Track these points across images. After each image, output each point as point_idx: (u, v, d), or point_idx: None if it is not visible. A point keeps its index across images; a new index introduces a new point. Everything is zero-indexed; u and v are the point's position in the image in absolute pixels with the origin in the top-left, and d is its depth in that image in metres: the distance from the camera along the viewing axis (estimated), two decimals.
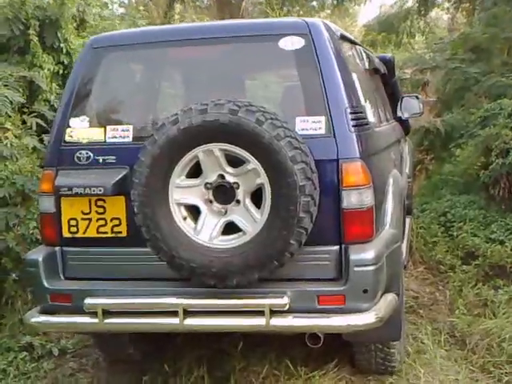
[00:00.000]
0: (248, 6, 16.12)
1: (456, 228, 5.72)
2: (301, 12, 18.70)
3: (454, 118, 7.06)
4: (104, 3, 10.47)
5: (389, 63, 4.83)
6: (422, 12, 13.49)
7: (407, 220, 4.46)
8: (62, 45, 5.40)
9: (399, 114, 4.67)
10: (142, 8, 11.89)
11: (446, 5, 13.94)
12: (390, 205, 3.11)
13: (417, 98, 4.90)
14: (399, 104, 4.68)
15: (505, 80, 6.76)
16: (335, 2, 20.01)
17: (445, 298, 4.61)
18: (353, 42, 3.67)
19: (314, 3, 20.09)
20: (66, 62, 5.44)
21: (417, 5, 13.37)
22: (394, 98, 4.78)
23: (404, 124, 4.98)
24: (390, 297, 2.85)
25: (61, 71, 5.43)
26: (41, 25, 5.31)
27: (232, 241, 2.65)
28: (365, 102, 3.22)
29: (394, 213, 3.11)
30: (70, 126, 3.02)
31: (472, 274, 4.84)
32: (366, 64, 3.81)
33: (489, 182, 5.77)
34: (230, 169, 2.63)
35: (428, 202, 6.73)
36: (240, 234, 2.65)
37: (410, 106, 4.74)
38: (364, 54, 3.82)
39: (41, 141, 4.77)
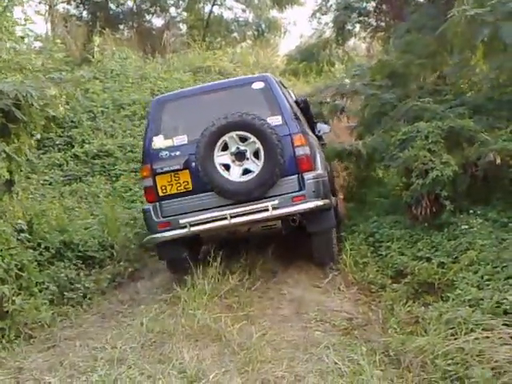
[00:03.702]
0: (169, 38, 16.10)
1: (384, 247, 5.83)
2: (223, 43, 18.90)
3: (374, 141, 7.22)
4: (19, 37, 10.12)
5: (305, 102, 7.32)
6: (340, 41, 13.94)
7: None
8: None
9: (316, 132, 7.52)
10: (59, 41, 11.57)
11: (363, 34, 14.50)
12: (318, 160, 5.97)
13: (325, 123, 8.21)
14: (316, 127, 7.62)
15: (420, 104, 7.00)
16: (256, 34, 20.48)
17: (378, 318, 4.63)
18: (285, 86, 6.76)
19: (236, 34, 20.43)
20: None
21: (334, 35, 13.81)
22: (310, 123, 7.30)
23: (319, 138, 7.57)
24: (326, 199, 5.67)
25: None
26: None
27: (248, 177, 5.44)
28: (297, 111, 6.19)
29: (321, 165, 6.02)
30: (153, 141, 5.73)
31: (402, 292, 4.90)
32: (293, 97, 6.92)
33: (411, 202, 5.91)
34: (241, 144, 5.46)
35: (356, 223, 6.84)
36: (251, 173, 5.44)
37: (323, 128, 7.79)
38: (291, 92, 7.12)
39: None
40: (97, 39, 13.83)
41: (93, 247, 6.61)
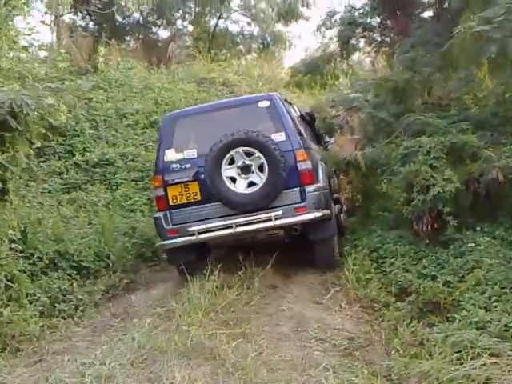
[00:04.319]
0: (174, 49, 16.06)
1: (388, 264, 5.68)
2: (228, 55, 18.86)
3: (374, 152, 7.12)
4: (22, 47, 10.05)
5: (311, 116, 7.84)
6: (344, 56, 13.90)
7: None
8: None
9: (322, 143, 8.04)
10: (63, 51, 11.52)
11: (367, 49, 14.44)
12: (320, 173, 6.27)
13: (331, 135, 8.52)
14: (322, 138, 8.15)
15: (423, 118, 6.87)
16: (261, 46, 20.49)
17: (380, 338, 4.44)
18: (290, 102, 7.12)
19: (241, 47, 20.42)
20: None
21: (339, 49, 13.74)
22: (317, 135, 7.96)
23: (325, 148, 8.07)
24: (326, 210, 6.00)
25: None
26: None
27: (252, 189, 5.82)
28: (301, 127, 6.53)
29: (323, 178, 6.30)
30: (165, 154, 6.10)
31: (406, 311, 4.73)
32: (298, 113, 7.24)
33: (412, 218, 5.81)
34: (247, 158, 5.84)
35: (359, 238, 6.70)
36: (255, 186, 5.82)
37: (328, 139, 8.30)
38: (296, 108, 7.38)
39: None
40: (102, 49, 13.80)
41: (88, 257, 6.46)
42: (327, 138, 8.17)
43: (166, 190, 6.00)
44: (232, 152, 5.80)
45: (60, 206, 8.07)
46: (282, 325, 4.83)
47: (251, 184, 5.82)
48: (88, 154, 9.75)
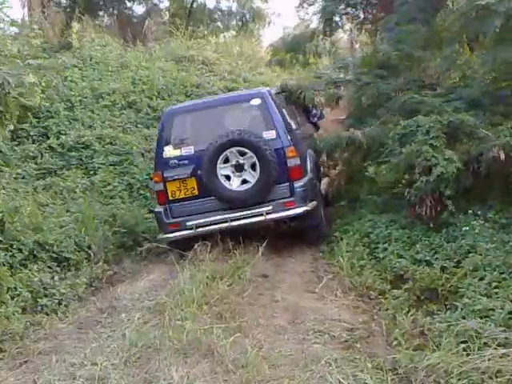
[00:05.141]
0: (151, 26, 15.55)
1: (381, 249, 5.54)
2: (205, 32, 18.40)
3: (374, 131, 6.82)
4: None
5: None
6: (327, 33, 13.60)
7: (326, 179, 7.77)
8: None
9: (311, 119, 8.71)
10: (36, 27, 10.99)
11: (349, 26, 14.17)
12: (309, 164, 6.77)
13: (320, 110, 9.01)
14: (310, 115, 8.69)
15: (418, 97, 6.67)
16: (239, 24, 20.06)
17: (380, 328, 4.27)
18: (282, 91, 7.64)
19: (219, 23, 19.97)
20: None
21: (321, 26, 13.43)
22: (307, 111, 8.50)
23: (314, 125, 8.91)
24: (313, 202, 6.45)
25: None
26: None
27: (245, 186, 6.25)
28: (290, 120, 6.93)
29: (311, 169, 6.78)
30: (164, 150, 6.49)
31: (404, 299, 4.58)
32: (288, 100, 7.61)
33: (415, 201, 5.60)
34: (240, 157, 6.25)
35: (349, 222, 6.57)
36: (248, 183, 6.25)
37: (316, 115, 8.95)
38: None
39: None
40: (75, 25, 13.25)
41: (68, 248, 6.11)
42: (316, 113, 8.77)
43: (165, 186, 6.41)
44: (227, 152, 6.19)
45: (35, 192, 7.65)
46: (277, 316, 4.66)
47: (244, 181, 6.24)
48: (63, 136, 9.24)
